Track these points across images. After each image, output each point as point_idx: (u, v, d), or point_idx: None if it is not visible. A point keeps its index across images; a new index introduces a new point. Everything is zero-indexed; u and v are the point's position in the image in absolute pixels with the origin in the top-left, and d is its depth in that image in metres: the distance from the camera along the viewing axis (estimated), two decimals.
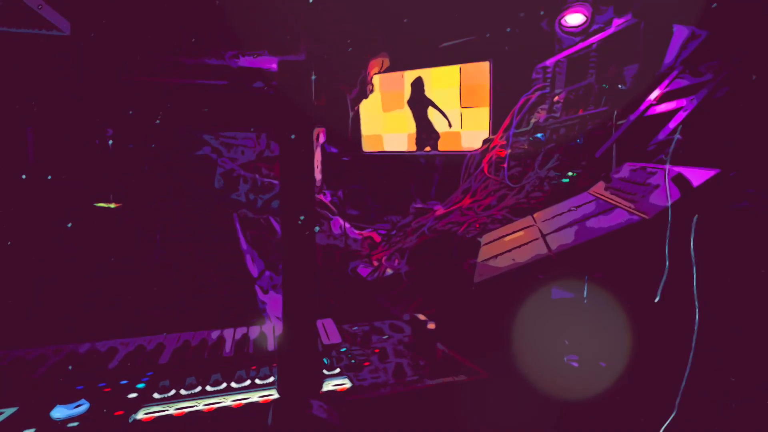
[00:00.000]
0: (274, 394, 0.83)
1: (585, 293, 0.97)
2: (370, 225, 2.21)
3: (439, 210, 1.83)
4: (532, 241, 1.02)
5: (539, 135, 1.72)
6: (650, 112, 1.24)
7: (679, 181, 0.79)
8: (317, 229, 1.78)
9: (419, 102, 2.82)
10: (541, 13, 1.96)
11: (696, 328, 0.81)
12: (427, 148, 2.86)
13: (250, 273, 1.78)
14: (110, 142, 1.79)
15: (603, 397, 0.85)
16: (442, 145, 2.80)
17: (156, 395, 0.83)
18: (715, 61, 1.12)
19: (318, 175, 2.11)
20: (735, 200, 0.83)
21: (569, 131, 1.59)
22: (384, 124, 2.96)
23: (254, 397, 0.82)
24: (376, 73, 2.02)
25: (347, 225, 1.85)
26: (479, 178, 1.85)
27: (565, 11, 1.82)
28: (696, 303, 0.80)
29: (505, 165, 1.72)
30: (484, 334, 1.03)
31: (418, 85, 2.80)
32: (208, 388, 0.85)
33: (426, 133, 2.84)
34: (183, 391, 0.84)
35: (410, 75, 2.83)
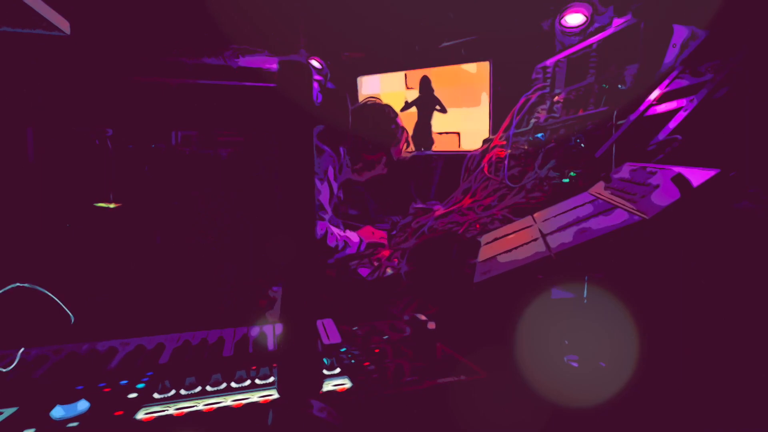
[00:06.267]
0: (274, 394, 0.83)
1: (585, 293, 0.97)
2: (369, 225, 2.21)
3: (439, 210, 1.83)
4: (532, 241, 1.02)
5: (539, 135, 1.72)
6: (650, 112, 1.24)
7: (679, 181, 0.79)
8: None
9: (425, 101, 2.80)
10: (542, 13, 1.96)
11: (696, 329, 0.81)
12: (421, 149, 2.85)
13: (250, 273, 1.78)
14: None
15: (603, 398, 0.85)
16: (440, 146, 2.79)
17: (156, 395, 0.83)
18: (715, 61, 1.12)
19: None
20: (735, 200, 0.83)
21: (569, 131, 1.59)
22: None
23: (254, 397, 0.82)
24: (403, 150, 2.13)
25: (342, 232, 1.84)
26: (479, 178, 1.85)
27: (565, 11, 1.82)
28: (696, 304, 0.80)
29: (505, 165, 1.72)
30: (484, 334, 1.03)
31: (425, 83, 2.78)
32: (208, 388, 0.85)
33: (422, 135, 2.83)
34: (183, 391, 0.84)
35: (412, 75, 2.84)
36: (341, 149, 1.90)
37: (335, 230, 1.82)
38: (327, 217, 1.81)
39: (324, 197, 1.81)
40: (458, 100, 2.69)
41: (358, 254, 1.81)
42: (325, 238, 1.74)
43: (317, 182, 1.78)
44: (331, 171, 1.85)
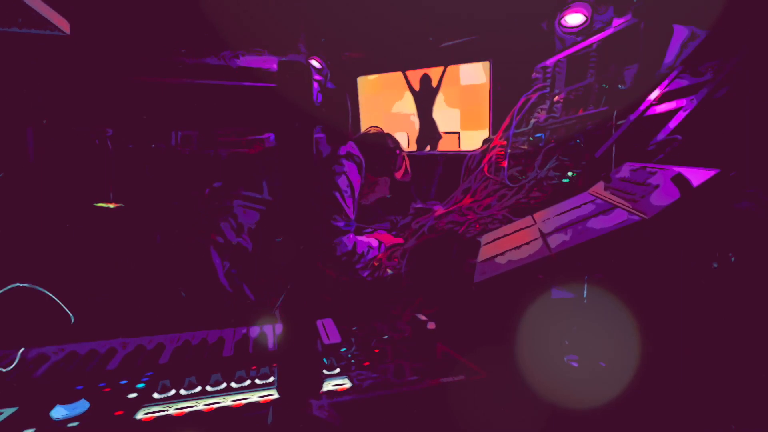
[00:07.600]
0: (274, 394, 0.83)
1: (585, 293, 0.97)
2: (369, 225, 2.21)
3: (439, 210, 1.83)
4: (532, 241, 1.02)
5: (539, 135, 1.72)
6: (650, 112, 1.24)
7: (679, 181, 0.79)
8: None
9: (426, 100, 2.82)
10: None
11: (696, 329, 0.81)
12: (427, 147, 2.86)
13: (251, 273, 1.78)
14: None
15: (603, 398, 0.85)
16: (442, 146, 2.80)
17: (156, 395, 0.83)
18: (715, 61, 1.12)
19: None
20: (735, 200, 0.83)
21: (569, 131, 1.59)
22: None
23: (254, 397, 0.82)
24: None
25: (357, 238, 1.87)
26: (479, 178, 1.85)
27: (565, 11, 1.82)
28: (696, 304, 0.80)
29: (505, 165, 1.72)
30: (484, 334, 1.03)
31: (425, 82, 2.80)
32: (208, 388, 0.85)
33: (428, 132, 2.85)
34: (183, 391, 0.84)
35: (412, 75, 2.84)
36: (363, 165, 1.95)
37: (359, 237, 1.88)
38: (352, 228, 1.86)
39: (350, 211, 1.86)
40: (459, 100, 2.69)
41: (380, 255, 1.85)
42: (355, 248, 1.81)
43: (347, 198, 1.83)
44: (357, 187, 1.90)
